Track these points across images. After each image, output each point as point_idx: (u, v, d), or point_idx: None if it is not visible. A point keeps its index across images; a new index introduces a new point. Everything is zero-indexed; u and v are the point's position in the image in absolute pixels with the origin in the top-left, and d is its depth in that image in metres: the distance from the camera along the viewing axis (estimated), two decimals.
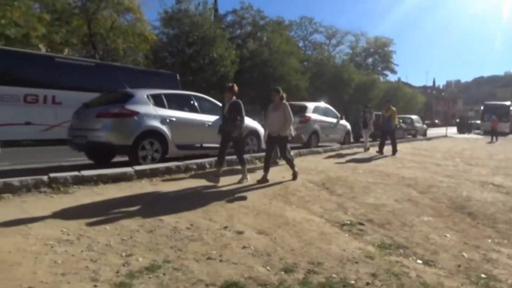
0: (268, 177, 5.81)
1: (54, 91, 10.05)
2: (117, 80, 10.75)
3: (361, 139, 12.10)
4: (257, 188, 5.32)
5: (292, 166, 6.09)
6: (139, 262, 2.74)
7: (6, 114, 8.54)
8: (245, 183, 5.57)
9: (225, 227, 3.64)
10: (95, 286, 2.35)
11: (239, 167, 5.91)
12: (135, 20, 21.62)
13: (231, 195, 4.85)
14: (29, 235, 3.01)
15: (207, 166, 6.47)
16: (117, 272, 2.56)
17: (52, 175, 4.38)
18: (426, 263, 3.38)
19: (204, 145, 7.27)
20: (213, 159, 6.69)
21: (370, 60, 51.42)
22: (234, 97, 5.60)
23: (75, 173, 4.63)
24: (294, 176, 6.06)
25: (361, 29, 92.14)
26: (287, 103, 6.00)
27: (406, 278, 2.93)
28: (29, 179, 4.16)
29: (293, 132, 6.35)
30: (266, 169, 5.85)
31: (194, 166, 6.16)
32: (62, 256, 2.70)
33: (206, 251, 3.05)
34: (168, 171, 5.60)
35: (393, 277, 2.91)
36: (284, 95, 6.39)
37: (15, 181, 4.02)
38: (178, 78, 14.47)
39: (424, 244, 3.82)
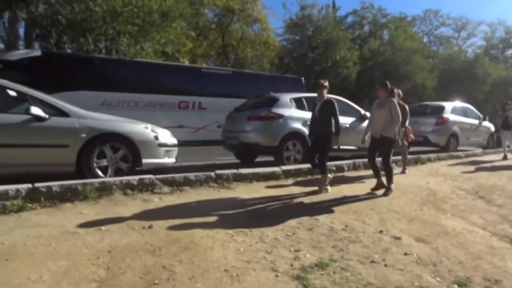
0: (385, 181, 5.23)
1: (200, 98, 11.38)
2: (251, 86, 11.55)
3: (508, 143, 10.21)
4: (401, 193, 5.08)
5: (390, 178, 5.02)
6: (308, 258, 2.93)
7: (165, 119, 10.01)
8: (324, 194, 4.85)
9: (380, 231, 3.63)
10: (276, 276, 2.61)
11: (329, 175, 5.12)
12: (261, 29, 23.14)
13: (376, 198, 4.78)
14: (212, 223, 3.50)
15: (345, 168, 6.57)
16: (291, 265, 2.79)
17: (217, 172, 4.97)
18: None
19: (342, 147, 7.27)
20: (351, 162, 6.70)
21: (510, 52, 43.70)
22: (326, 96, 5.08)
23: (234, 170, 5.16)
24: (387, 190, 4.99)
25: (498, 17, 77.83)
26: (395, 100, 5.11)
27: None
28: (201, 174, 4.82)
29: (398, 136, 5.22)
30: (376, 175, 5.19)
31: (334, 168, 6.27)
32: (242, 245, 3.06)
33: (368, 254, 3.10)
34: (310, 171, 5.80)
35: None
36: (400, 93, 5.71)
37: (191, 176, 4.71)
38: (303, 81, 14.77)
39: None
